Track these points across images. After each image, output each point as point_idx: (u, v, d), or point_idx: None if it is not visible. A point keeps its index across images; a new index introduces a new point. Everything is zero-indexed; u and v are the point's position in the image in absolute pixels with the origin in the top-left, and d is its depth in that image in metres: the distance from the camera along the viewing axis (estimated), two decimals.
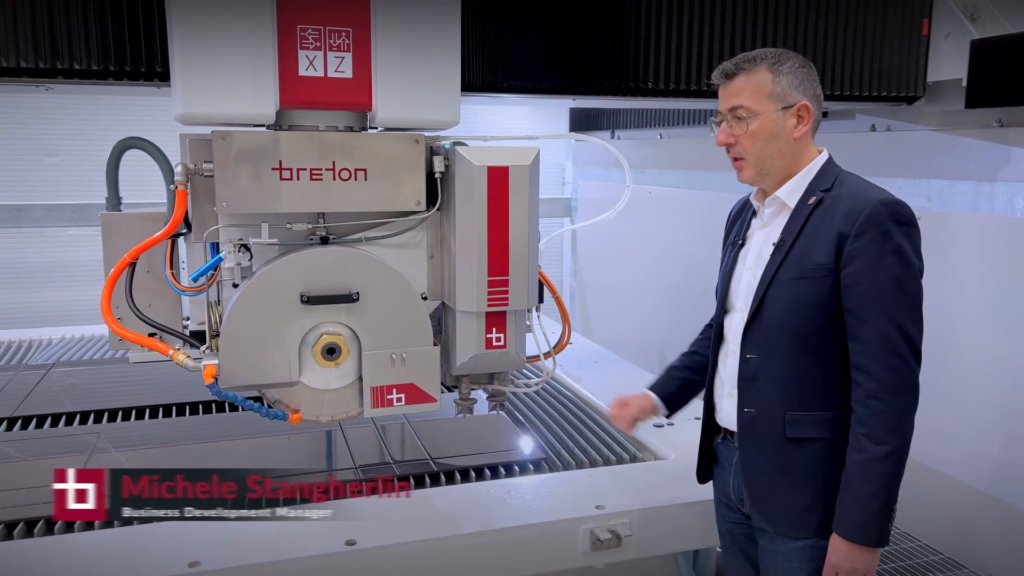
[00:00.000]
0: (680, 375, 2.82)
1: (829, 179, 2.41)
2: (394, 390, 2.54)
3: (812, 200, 2.37)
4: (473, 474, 3.19)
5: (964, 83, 3.84)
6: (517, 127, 7.61)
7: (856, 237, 2.25)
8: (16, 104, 6.20)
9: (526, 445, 3.49)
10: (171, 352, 2.41)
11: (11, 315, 6.40)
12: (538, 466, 3.27)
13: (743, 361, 2.44)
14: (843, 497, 2.28)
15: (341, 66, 2.36)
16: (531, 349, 2.75)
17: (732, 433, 2.55)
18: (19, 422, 3.79)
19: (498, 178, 2.44)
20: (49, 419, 3.81)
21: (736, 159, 2.45)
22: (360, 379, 2.54)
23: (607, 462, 3.33)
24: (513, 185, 2.46)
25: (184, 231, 2.48)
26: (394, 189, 2.47)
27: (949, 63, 4.06)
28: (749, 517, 2.55)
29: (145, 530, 2.62)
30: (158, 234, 2.39)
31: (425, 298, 2.59)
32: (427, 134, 2.51)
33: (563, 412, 3.92)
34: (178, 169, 2.35)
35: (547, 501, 2.94)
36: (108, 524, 2.71)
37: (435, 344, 2.59)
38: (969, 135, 4.00)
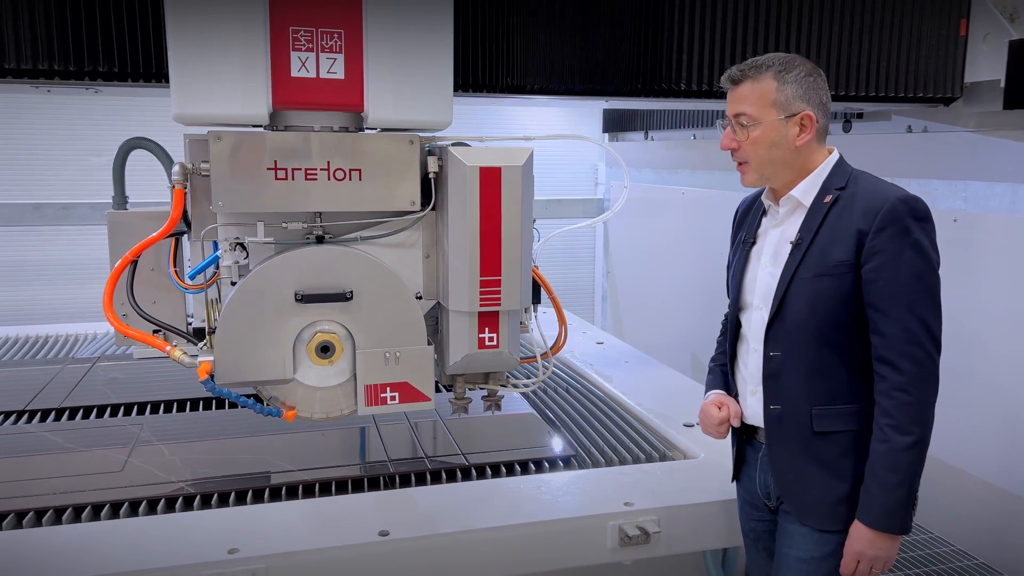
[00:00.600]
0: (721, 377, 2.82)
1: (843, 178, 2.47)
2: (388, 388, 2.56)
3: (828, 198, 2.43)
4: (504, 470, 3.26)
5: (1002, 84, 3.78)
6: (548, 127, 7.63)
7: (876, 233, 2.31)
8: (64, 107, 6.36)
9: (556, 443, 3.54)
10: (168, 348, 2.46)
11: (61, 310, 6.58)
12: (568, 463, 3.34)
13: (767, 359, 2.49)
14: (868, 486, 2.35)
15: (333, 67, 2.38)
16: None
17: (757, 430, 2.61)
18: (66, 413, 3.93)
19: (490, 178, 2.45)
20: (95, 410, 3.94)
21: (739, 163, 2.52)
22: (354, 377, 2.56)
23: (636, 460, 3.37)
24: (506, 186, 2.46)
25: (185, 230, 2.53)
26: (389, 189, 2.49)
27: (987, 64, 3.99)
28: (775, 512, 2.62)
29: (186, 517, 2.81)
30: (155, 233, 2.44)
31: (420, 297, 2.61)
32: (423, 134, 2.53)
33: (593, 411, 3.97)
34: (175, 169, 2.40)
35: (576, 497, 2.99)
36: (152, 511, 2.88)
37: (430, 344, 2.60)
38: (1007, 136, 3.92)
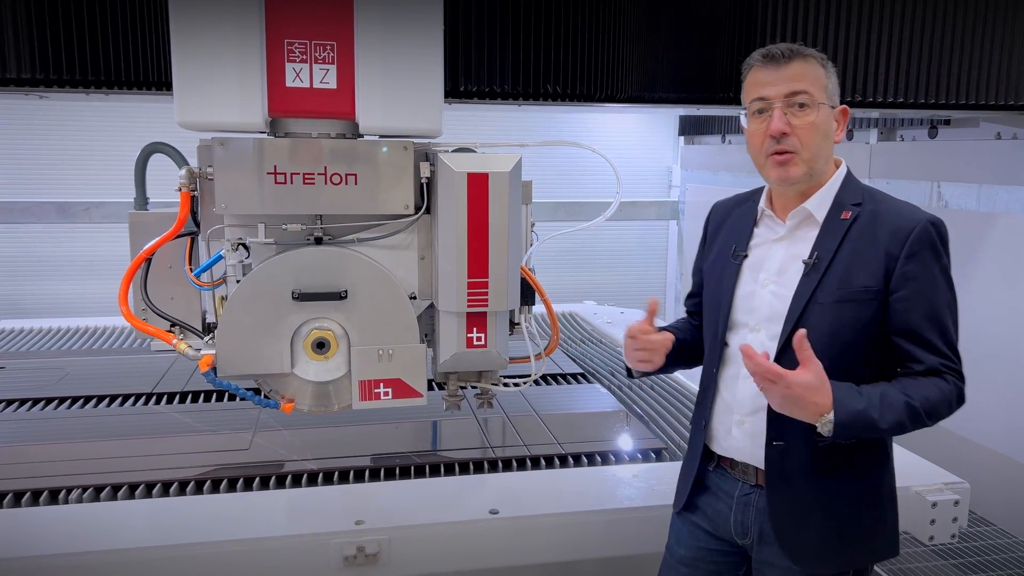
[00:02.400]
0: (686, 337, 2.67)
1: (857, 193, 2.31)
2: (381, 384, 2.67)
3: (847, 215, 2.26)
4: (599, 459, 3.46)
5: None
6: (619, 131, 7.64)
7: (908, 258, 2.17)
8: (117, 110, 6.66)
9: (647, 435, 3.70)
10: (174, 342, 2.63)
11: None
12: (659, 455, 3.50)
13: None
14: (862, 392, 2.13)
15: (326, 78, 2.50)
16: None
17: (732, 463, 2.45)
18: (189, 396, 4.20)
19: (478, 184, 2.52)
20: (214, 395, 4.18)
21: (786, 152, 2.26)
22: (350, 373, 2.68)
23: None
24: (493, 190, 2.53)
25: (195, 230, 2.68)
26: (384, 193, 2.60)
27: None
28: (740, 550, 2.49)
29: (313, 492, 3.10)
30: (165, 234, 2.60)
31: (415, 298, 2.70)
32: (417, 141, 2.62)
33: (679, 407, 4.11)
34: (182, 173, 2.56)
35: (669, 486, 2.99)
36: (280, 485, 3.18)
37: (423, 342, 2.70)
38: None
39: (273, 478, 3.16)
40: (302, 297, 2.59)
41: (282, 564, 2.73)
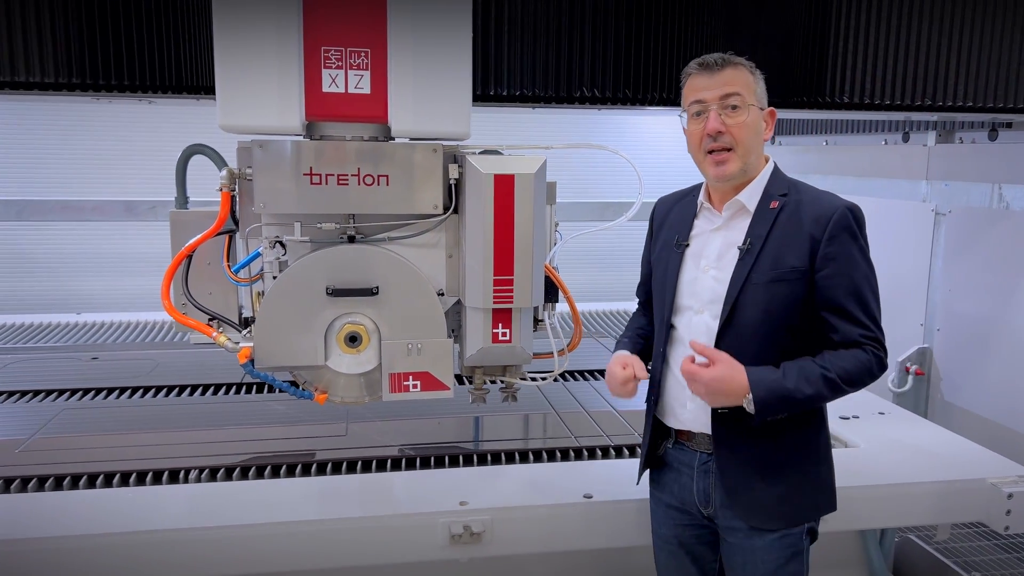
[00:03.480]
0: (640, 343, 2.84)
1: (783, 185, 2.55)
2: (410, 377, 2.79)
3: (775, 204, 2.50)
4: None
5: None
6: (676, 133, 7.71)
7: (829, 241, 2.40)
8: (159, 113, 6.80)
9: None
10: (214, 335, 2.75)
11: None
12: None
13: None
14: (782, 369, 2.40)
15: (360, 83, 2.62)
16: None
17: (689, 435, 2.63)
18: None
19: (504, 185, 2.64)
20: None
21: (723, 150, 2.48)
22: (380, 366, 2.80)
23: None
24: (518, 191, 2.64)
25: (234, 228, 2.81)
26: (414, 194, 2.72)
27: None
28: (710, 519, 2.63)
29: (416, 475, 3.22)
30: (206, 231, 2.73)
31: (443, 294, 2.82)
32: (446, 143, 2.74)
33: None
34: (222, 174, 2.68)
35: None
36: (381, 469, 3.28)
37: (450, 337, 2.82)
38: None
39: (374, 462, 3.30)
40: (335, 293, 2.71)
41: (393, 540, 2.89)
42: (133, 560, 2.72)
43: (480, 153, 2.73)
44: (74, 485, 3.06)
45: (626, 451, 3.47)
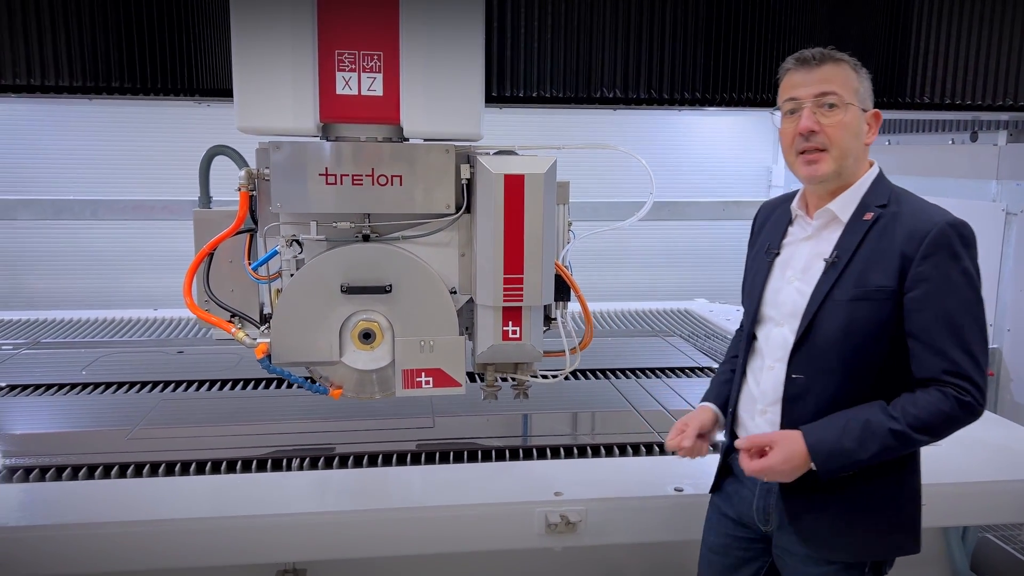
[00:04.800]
0: (727, 388, 2.74)
1: (883, 195, 2.39)
2: (423, 373, 2.84)
3: (869, 216, 2.34)
4: None
5: None
6: (715, 132, 7.72)
7: (923, 260, 2.23)
8: (190, 114, 6.92)
9: None
10: (233, 330, 2.83)
11: None
12: None
13: (789, 381, 2.41)
14: (845, 426, 2.26)
15: (373, 85, 2.68)
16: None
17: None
18: None
19: (514, 185, 2.67)
20: None
21: (816, 150, 2.35)
22: (393, 362, 2.86)
23: None
24: (528, 191, 2.68)
25: (254, 227, 2.88)
26: (427, 193, 2.77)
27: None
28: (766, 537, 2.57)
29: (509, 466, 3.37)
30: (226, 230, 2.80)
31: (455, 292, 2.87)
32: (459, 144, 2.79)
33: None
34: (241, 174, 2.76)
35: None
36: (473, 460, 3.42)
37: (463, 334, 2.87)
38: None
39: (465, 453, 3.42)
40: (350, 290, 2.77)
41: (491, 528, 3.02)
42: (256, 543, 2.93)
43: (495, 154, 2.77)
44: (184, 471, 3.24)
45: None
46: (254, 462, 3.29)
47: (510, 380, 3.00)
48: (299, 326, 2.80)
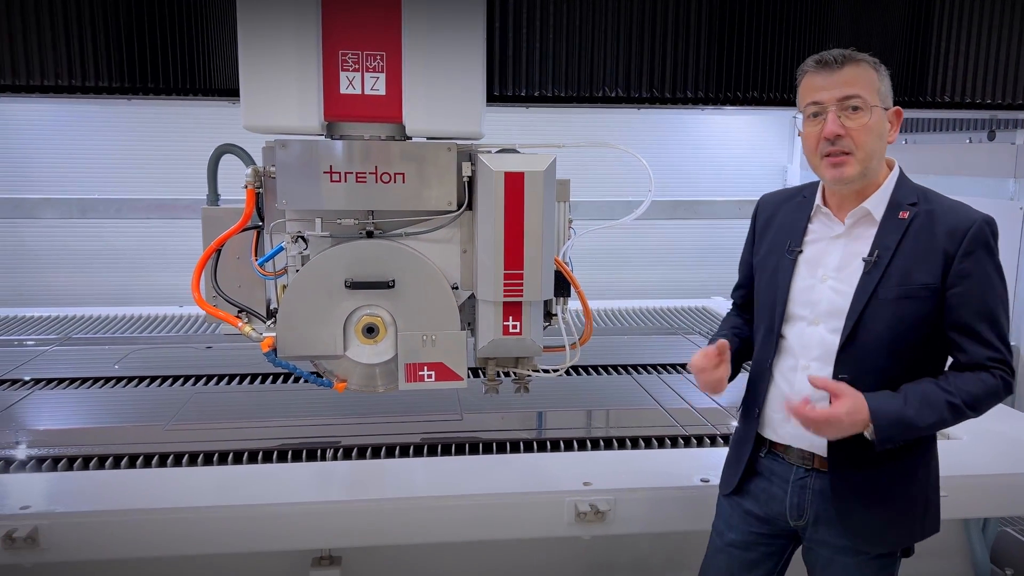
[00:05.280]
0: (736, 342, 2.73)
1: (911, 193, 2.43)
2: (425, 367, 2.90)
3: (904, 215, 2.38)
4: None
5: None
6: (729, 131, 7.74)
7: (965, 256, 2.30)
8: (213, 114, 7.00)
9: None
10: (240, 325, 2.89)
11: None
12: None
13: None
14: (904, 397, 2.31)
15: (376, 85, 2.74)
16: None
17: (785, 447, 2.58)
18: None
19: (514, 182, 2.72)
20: None
21: (842, 153, 2.35)
22: (396, 356, 2.91)
23: None
24: (528, 188, 2.73)
25: (260, 224, 2.94)
26: (429, 191, 2.82)
27: None
28: (791, 531, 2.62)
29: (539, 457, 3.49)
30: (233, 227, 2.87)
31: (457, 288, 2.92)
32: (461, 142, 2.84)
33: None
34: (248, 172, 2.82)
35: None
36: (502, 451, 3.56)
37: (464, 329, 2.92)
38: None
39: (494, 445, 3.55)
40: (354, 286, 2.83)
41: (522, 516, 3.12)
42: (292, 530, 3.04)
43: (497, 152, 2.82)
44: (222, 461, 3.39)
45: (720, 440, 3.66)
46: (289, 452, 3.43)
47: (511, 374, 3.05)
48: (304, 320, 2.86)
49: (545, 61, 3.42)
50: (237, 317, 2.94)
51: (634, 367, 4.70)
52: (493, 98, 3.34)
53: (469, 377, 2.98)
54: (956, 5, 3.73)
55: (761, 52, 3.61)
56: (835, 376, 2.40)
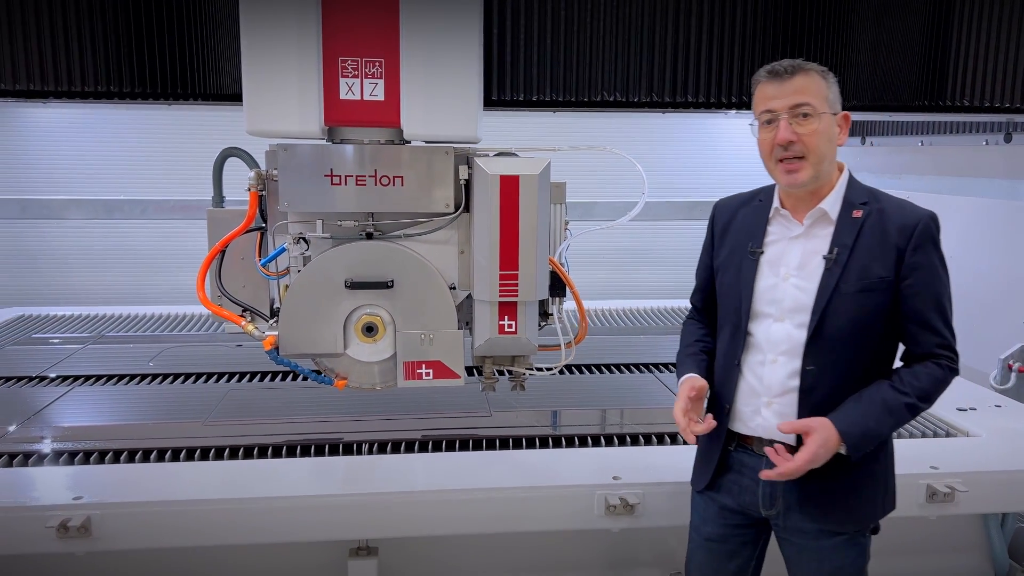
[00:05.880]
0: (704, 360, 2.83)
1: (862, 193, 2.59)
2: (423, 366, 2.97)
3: (858, 213, 2.54)
4: None
5: None
6: (746, 133, 7.75)
7: (914, 251, 2.48)
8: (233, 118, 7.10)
9: None
10: (243, 323, 2.97)
11: None
12: None
13: (804, 373, 2.56)
14: (866, 409, 2.49)
15: (375, 91, 2.81)
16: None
17: (752, 440, 2.70)
18: None
19: (509, 185, 2.79)
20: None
21: (795, 158, 2.49)
22: (395, 354, 2.98)
23: (923, 435, 3.82)
24: (523, 191, 2.80)
25: (264, 226, 3.02)
26: (427, 194, 2.89)
27: None
28: (763, 521, 2.73)
29: (567, 452, 3.60)
30: (236, 228, 2.94)
31: (455, 288, 2.98)
32: (459, 146, 2.90)
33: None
34: (251, 175, 2.90)
35: None
36: (531, 446, 3.66)
37: (461, 329, 2.99)
38: None
39: (523, 440, 3.65)
40: (354, 286, 2.91)
41: (554, 509, 3.23)
42: (330, 522, 3.14)
43: (495, 155, 2.89)
44: (262, 455, 3.51)
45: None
46: (326, 447, 3.55)
47: (506, 373, 3.12)
48: (305, 319, 2.94)
49: (543, 65, 3.48)
50: (241, 316, 3.01)
51: (655, 366, 4.79)
52: (492, 102, 3.41)
53: (471, 375, 3.08)
54: (975, 10, 3.77)
55: (772, 57, 3.66)
56: (803, 368, 2.55)
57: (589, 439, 3.66)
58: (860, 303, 2.49)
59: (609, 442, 3.65)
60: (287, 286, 2.99)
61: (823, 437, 2.43)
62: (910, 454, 3.44)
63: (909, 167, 6.33)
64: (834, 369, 2.53)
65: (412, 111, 2.83)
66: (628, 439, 3.68)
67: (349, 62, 2.80)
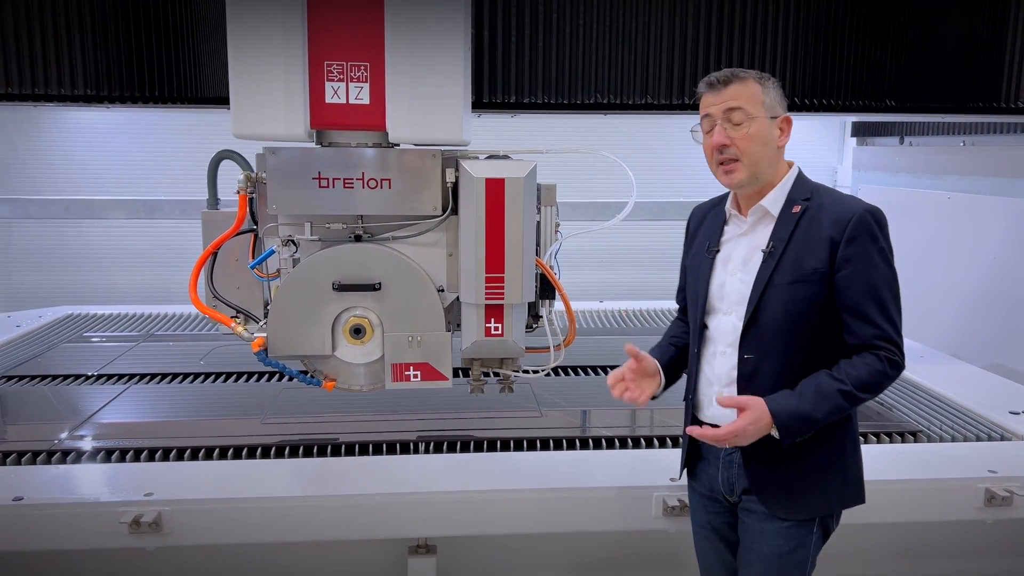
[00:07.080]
0: (671, 350, 2.95)
1: (806, 190, 2.65)
2: (411, 367, 2.98)
3: (797, 209, 2.60)
4: (873, 439, 3.78)
5: None
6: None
7: (848, 243, 2.51)
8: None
9: (901, 419, 4.06)
10: (232, 325, 3.00)
11: None
12: (916, 436, 3.83)
13: (741, 361, 2.64)
14: (800, 393, 2.51)
15: (360, 94, 2.82)
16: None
17: (716, 427, 2.69)
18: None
19: (495, 188, 2.79)
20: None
21: (730, 160, 2.60)
22: (383, 356, 2.99)
23: (978, 439, 3.80)
24: (509, 194, 2.80)
25: (255, 228, 3.04)
26: (415, 196, 2.90)
27: None
28: (734, 505, 2.77)
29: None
30: (227, 231, 2.97)
31: (443, 290, 2.98)
32: (446, 149, 2.91)
33: (921, 399, 4.37)
34: (240, 178, 2.92)
35: (945, 462, 3.51)
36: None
37: (449, 331, 2.99)
38: None
39: (577, 441, 3.68)
40: (342, 288, 2.92)
41: (612, 510, 3.26)
42: (390, 519, 3.19)
43: (486, 158, 2.88)
44: (321, 453, 3.56)
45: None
46: (384, 445, 3.59)
47: (493, 375, 3.12)
48: (294, 321, 2.95)
49: (535, 67, 3.46)
50: (232, 318, 3.03)
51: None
52: (483, 105, 3.39)
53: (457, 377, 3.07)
54: None
55: (782, 60, 3.62)
56: (741, 357, 2.63)
57: (643, 440, 3.67)
58: (792, 294, 2.54)
59: (663, 443, 3.67)
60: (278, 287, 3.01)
61: (755, 415, 2.47)
62: (966, 458, 3.51)
63: (950, 167, 6.25)
64: (772, 359, 2.59)
65: (397, 115, 2.83)
66: (669, 441, 3.67)
67: (335, 66, 2.80)
